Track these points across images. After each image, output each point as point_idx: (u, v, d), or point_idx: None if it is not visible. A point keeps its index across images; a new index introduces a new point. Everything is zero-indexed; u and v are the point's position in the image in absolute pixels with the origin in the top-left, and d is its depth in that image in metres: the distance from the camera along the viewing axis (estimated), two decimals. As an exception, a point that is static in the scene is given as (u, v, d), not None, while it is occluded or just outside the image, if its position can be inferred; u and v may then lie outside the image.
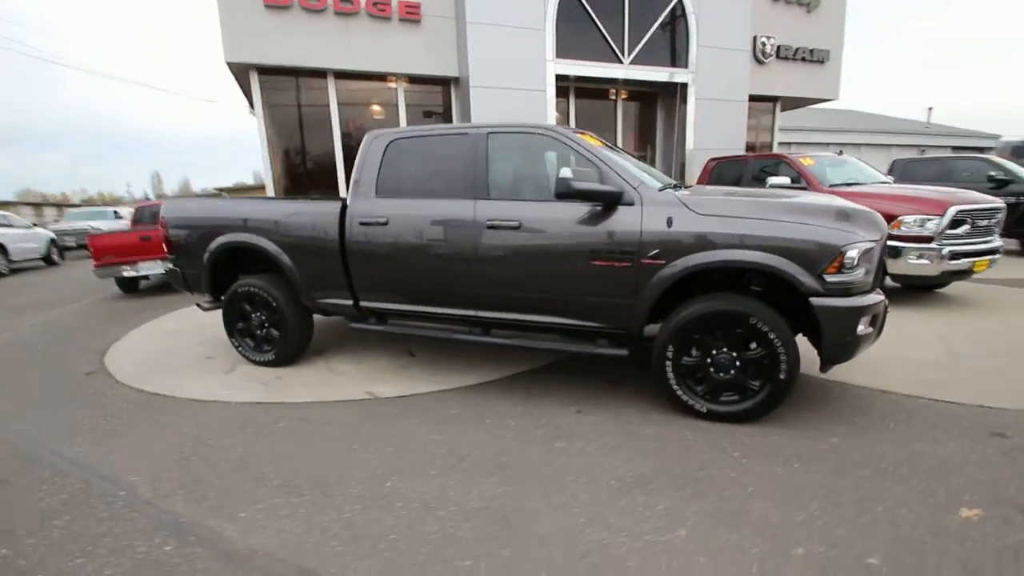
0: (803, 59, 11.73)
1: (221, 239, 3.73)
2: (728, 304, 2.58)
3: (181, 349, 4.44)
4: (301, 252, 3.53)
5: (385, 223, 3.24)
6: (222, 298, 3.89)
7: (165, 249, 4.03)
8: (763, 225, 2.53)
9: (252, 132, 8.14)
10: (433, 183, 3.22)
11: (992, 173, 7.97)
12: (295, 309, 3.68)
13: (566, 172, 2.71)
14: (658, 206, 2.69)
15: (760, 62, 11.13)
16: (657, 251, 2.65)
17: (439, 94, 9.05)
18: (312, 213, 3.50)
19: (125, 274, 6.67)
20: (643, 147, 11.04)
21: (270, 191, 8.06)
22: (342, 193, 8.36)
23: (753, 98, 10.95)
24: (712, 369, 2.67)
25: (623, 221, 2.72)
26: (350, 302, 3.52)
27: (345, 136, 8.40)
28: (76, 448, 2.68)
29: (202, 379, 3.66)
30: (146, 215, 8.67)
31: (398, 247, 3.24)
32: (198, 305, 4.13)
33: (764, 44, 11.07)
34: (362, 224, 3.30)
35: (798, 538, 1.79)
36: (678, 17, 9.70)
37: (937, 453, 2.33)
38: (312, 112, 8.36)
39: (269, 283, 3.67)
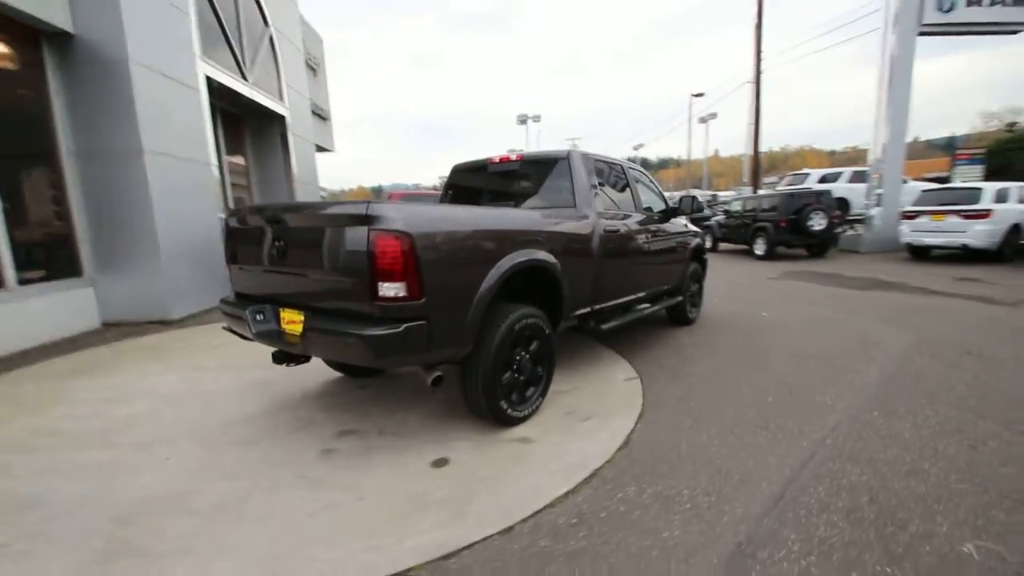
0: (319, 116, 13.88)
1: (515, 258, 2.63)
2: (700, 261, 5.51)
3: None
4: (572, 265, 3.24)
5: (617, 231, 3.78)
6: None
7: (407, 291, 2.04)
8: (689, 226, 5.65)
9: None
10: (614, 198, 4.06)
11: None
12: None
13: (695, 195, 4.67)
14: (680, 217, 5.18)
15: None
16: (689, 238, 5.18)
17: (19, 57, 4.90)
18: (576, 221, 3.29)
19: None
20: (245, 171, 9.85)
21: None
22: None
23: (309, 141, 12.13)
24: (690, 293, 5.53)
25: (681, 223, 5.03)
26: (589, 309, 3.58)
27: None
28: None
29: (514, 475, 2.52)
30: None
31: (626, 250, 3.91)
32: (435, 383, 2.32)
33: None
34: (607, 231, 3.63)
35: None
36: (274, 51, 9.62)
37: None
38: None
39: (534, 309, 2.98)
